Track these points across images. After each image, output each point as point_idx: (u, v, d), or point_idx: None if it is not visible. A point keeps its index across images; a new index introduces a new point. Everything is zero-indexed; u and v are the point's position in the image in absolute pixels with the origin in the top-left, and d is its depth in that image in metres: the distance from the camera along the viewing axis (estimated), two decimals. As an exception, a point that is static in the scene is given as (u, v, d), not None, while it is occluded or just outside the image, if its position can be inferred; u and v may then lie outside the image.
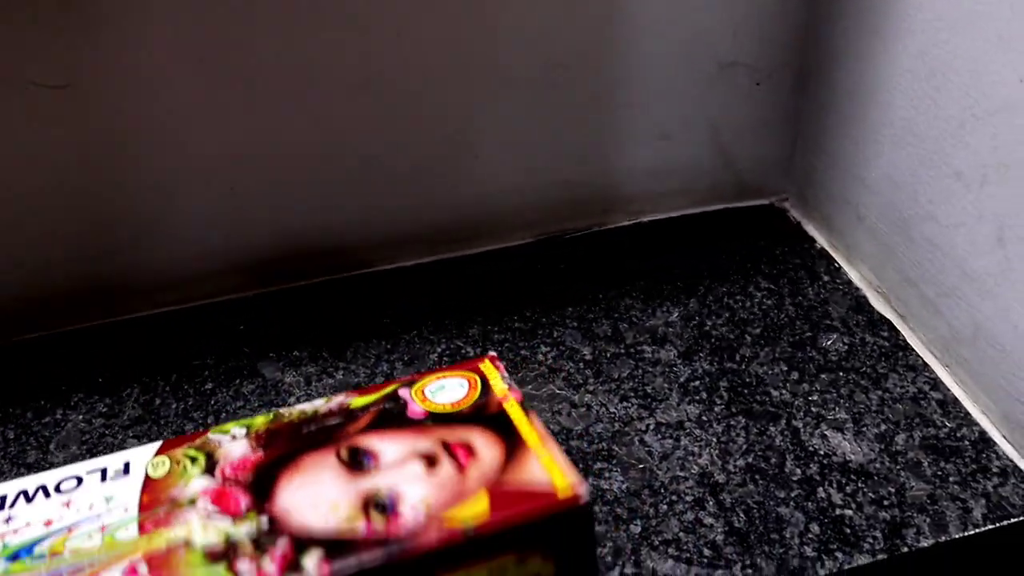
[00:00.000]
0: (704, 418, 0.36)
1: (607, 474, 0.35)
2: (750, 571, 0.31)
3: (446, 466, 0.24)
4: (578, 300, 0.40)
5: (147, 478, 0.24)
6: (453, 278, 0.41)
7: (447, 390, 0.27)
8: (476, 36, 0.37)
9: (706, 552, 0.32)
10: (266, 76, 0.36)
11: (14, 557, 0.23)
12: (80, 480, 0.25)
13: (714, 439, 0.35)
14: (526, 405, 0.26)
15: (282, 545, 0.23)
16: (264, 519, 0.23)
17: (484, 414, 0.26)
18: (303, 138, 0.38)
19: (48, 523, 0.23)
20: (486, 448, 0.25)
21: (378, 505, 0.24)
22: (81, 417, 0.37)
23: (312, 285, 0.42)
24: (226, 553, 0.22)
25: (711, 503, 0.34)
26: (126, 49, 0.34)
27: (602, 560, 0.33)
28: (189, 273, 0.40)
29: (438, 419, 0.26)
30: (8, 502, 0.24)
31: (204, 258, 0.40)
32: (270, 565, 0.22)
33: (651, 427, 0.36)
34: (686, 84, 0.41)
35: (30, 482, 0.25)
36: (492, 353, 0.25)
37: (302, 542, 0.23)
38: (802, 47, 0.41)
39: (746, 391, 0.37)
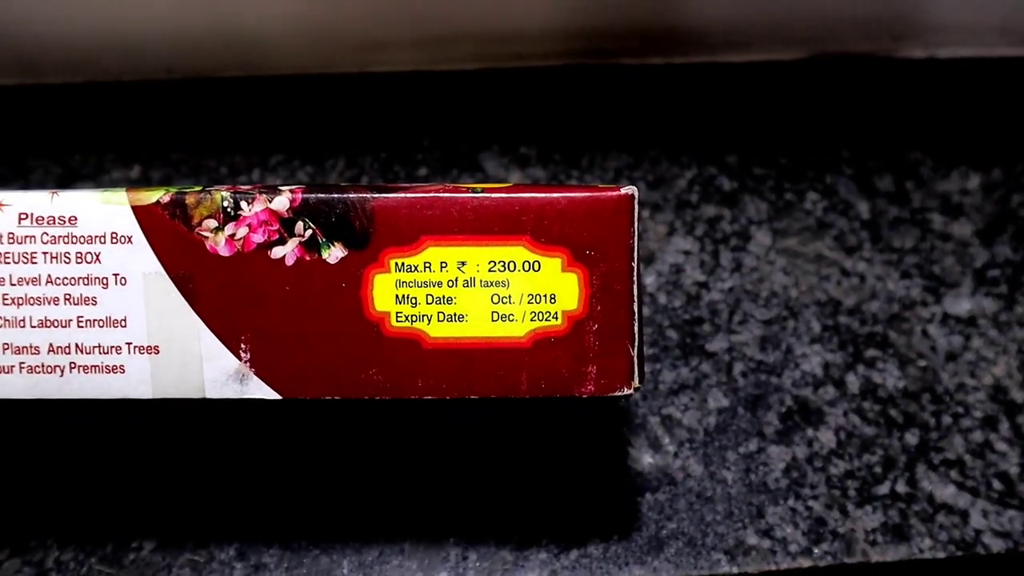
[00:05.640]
0: (1003, 318, 0.28)
1: (880, 365, 0.28)
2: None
3: None
4: (855, 141, 0.31)
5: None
6: (707, 87, 0.32)
7: None
8: None
9: (996, 485, 0.26)
10: None
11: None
12: None
13: (1013, 346, 0.28)
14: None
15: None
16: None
17: None
18: None
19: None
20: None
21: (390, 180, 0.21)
22: (279, 184, 0.30)
23: (537, 70, 0.32)
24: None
25: (1005, 426, 0.27)
26: None
27: (869, 470, 0.26)
28: (413, 33, 0.31)
29: None
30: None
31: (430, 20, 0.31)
32: (247, 186, 0.19)
33: (937, 317, 0.28)
34: None
35: None
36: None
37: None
38: None
39: (1055, 292, 0.29)
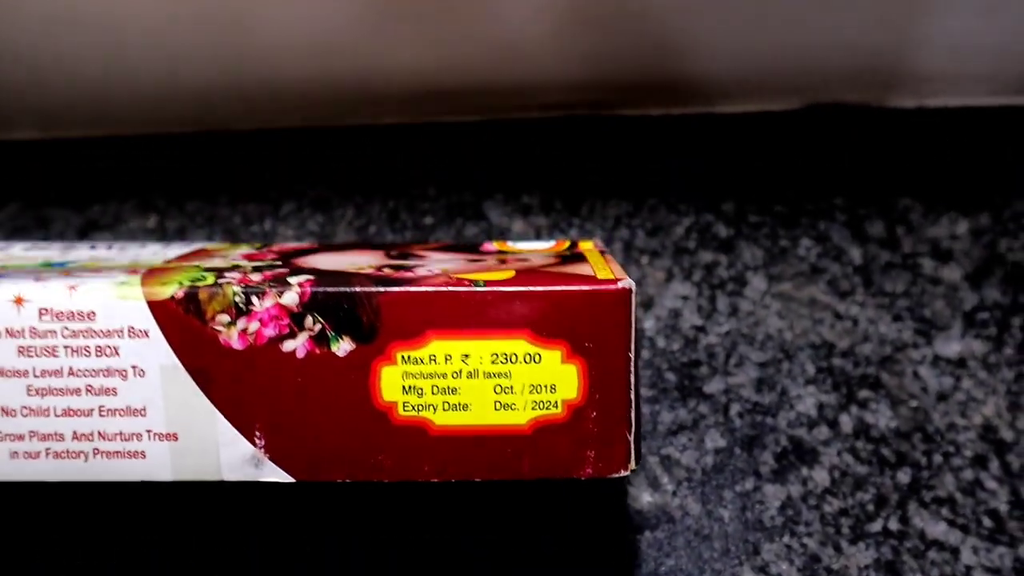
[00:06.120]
0: (992, 359, 0.28)
1: (873, 406, 0.28)
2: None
3: (489, 260, 0.22)
4: (848, 189, 0.31)
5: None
6: (704, 137, 0.32)
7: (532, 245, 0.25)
8: None
9: (986, 523, 0.26)
10: None
11: (47, 266, 0.22)
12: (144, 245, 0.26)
13: (1002, 387, 0.28)
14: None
15: (280, 269, 0.21)
16: (279, 261, 0.22)
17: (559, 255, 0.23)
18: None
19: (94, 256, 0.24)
20: (538, 256, 0.23)
21: (395, 266, 0.21)
22: (291, 233, 0.31)
23: (538, 121, 0.33)
24: (225, 269, 0.21)
25: (995, 464, 0.27)
26: None
27: (862, 508, 0.27)
28: (417, 86, 0.31)
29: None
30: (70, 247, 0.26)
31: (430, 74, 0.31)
32: (257, 276, 0.20)
33: (928, 358, 0.28)
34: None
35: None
36: (598, 242, 0.21)
37: (303, 270, 0.20)
38: None
39: (1043, 333, 0.29)
